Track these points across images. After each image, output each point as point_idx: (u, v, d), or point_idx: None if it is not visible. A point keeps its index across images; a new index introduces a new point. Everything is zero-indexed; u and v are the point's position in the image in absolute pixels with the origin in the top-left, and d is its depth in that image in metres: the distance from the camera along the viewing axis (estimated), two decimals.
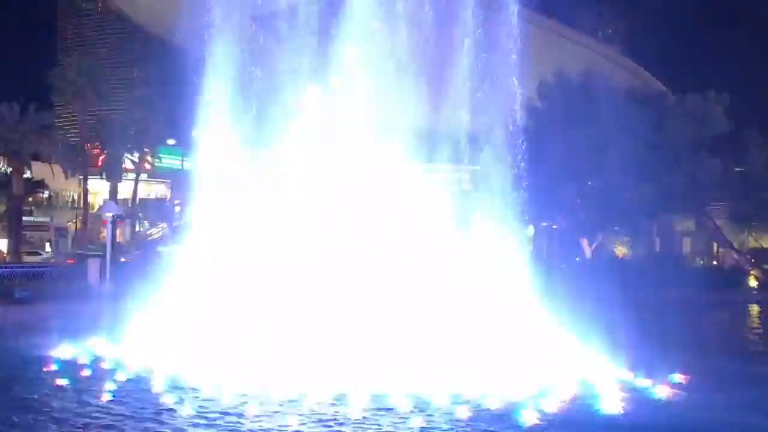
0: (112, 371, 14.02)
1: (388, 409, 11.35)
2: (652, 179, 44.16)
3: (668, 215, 49.76)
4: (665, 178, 44.60)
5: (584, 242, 47.10)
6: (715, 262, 55.69)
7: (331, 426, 10.59)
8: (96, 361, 15.14)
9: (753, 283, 46.42)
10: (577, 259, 47.46)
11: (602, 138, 43.18)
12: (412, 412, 11.24)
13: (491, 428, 10.55)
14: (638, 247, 51.71)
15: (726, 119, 45.84)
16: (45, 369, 14.20)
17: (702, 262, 53.06)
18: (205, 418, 10.82)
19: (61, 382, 13.03)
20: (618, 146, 43.59)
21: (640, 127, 44.11)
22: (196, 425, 10.48)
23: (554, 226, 51.41)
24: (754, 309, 35.02)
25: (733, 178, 46.12)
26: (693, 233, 56.17)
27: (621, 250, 51.06)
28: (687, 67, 64.45)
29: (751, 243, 51.89)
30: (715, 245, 55.44)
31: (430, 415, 11.08)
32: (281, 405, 11.56)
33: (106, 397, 11.93)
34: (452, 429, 10.48)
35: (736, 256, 48.29)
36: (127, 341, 16.36)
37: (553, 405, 11.71)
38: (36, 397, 12.13)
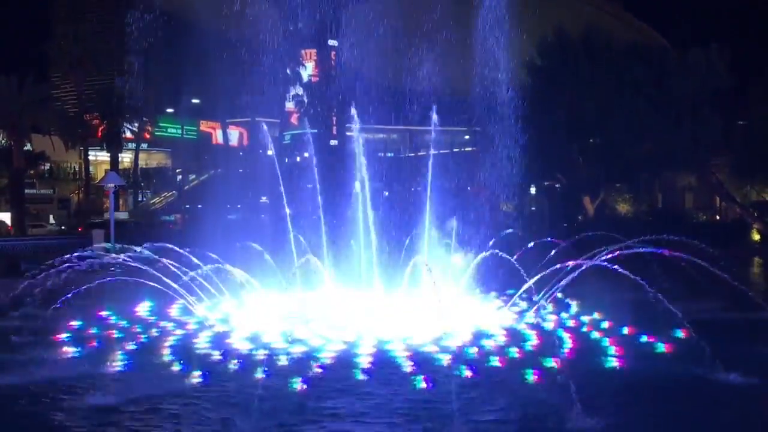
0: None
1: None
2: (655, 135, 43.99)
3: (670, 171, 49.67)
4: (667, 133, 44.40)
5: (586, 200, 47.11)
6: (717, 217, 55.71)
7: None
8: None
9: (756, 237, 46.49)
10: (580, 217, 47.52)
11: (604, 95, 42.93)
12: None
13: None
14: (640, 203, 51.70)
15: (729, 73, 45.43)
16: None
17: (704, 217, 53.06)
18: None
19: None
20: (620, 103, 43.38)
21: (642, 83, 43.81)
22: None
23: (556, 185, 51.38)
24: (756, 262, 35.14)
25: (736, 133, 45.90)
26: (695, 188, 56.09)
27: (623, 207, 51.03)
28: (689, 21, 63.55)
29: (754, 197, 51.84)
30: (717, 200, 55.40)
31: None
32: None
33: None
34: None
35: (738, 210, 48.27)
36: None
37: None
38: None
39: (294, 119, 70.88)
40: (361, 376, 11.47)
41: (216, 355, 13.04)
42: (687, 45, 48.36)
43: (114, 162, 63.87)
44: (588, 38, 47.99)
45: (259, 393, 9.75)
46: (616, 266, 14.16)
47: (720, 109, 44.93)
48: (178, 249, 17.83)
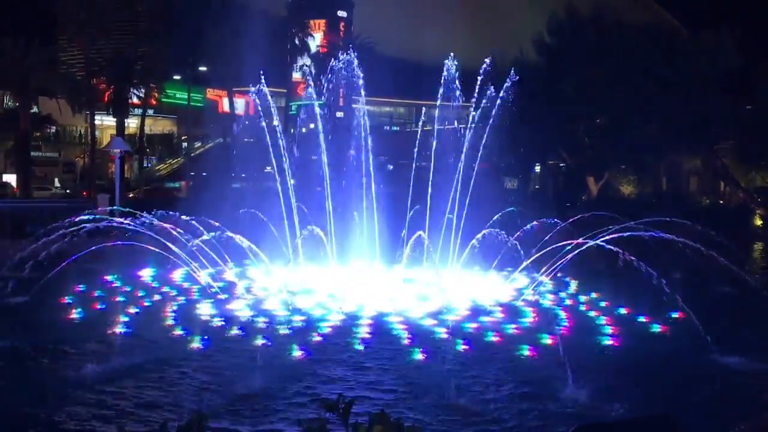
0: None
1: None
2: (662, 117, 43.80)
3: (676, 153, 49.49)
4: (674, 115, 44.21)
5: (590, 180, 47.08)
6: (721, 201, 55.62)
7: None
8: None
9: (758, 222, 46.49)
10: (584, 197, 47.52)
11: (612, 75, 42.68)
12: None
13: None
14: (645, 185, 51.62)
15: (738, 56, 45.05)
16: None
17: (708, 201, 52.96)
18: None
19: None
20: (628, 83, 43.13)
21: (651, 63, 43.51)
22: None
23: (561, 165, 51.31)
24: (758, 246, 35.22)
25: (743, 117, 45.62)
26: (700, 172, 55.92)
27: (627, 189, 50.98)
28: (700, 2, 62.85)
29: (759, 182, 51.67)
30: (722, 184, 55.27)
31: None
32: None
33: None
34: None
35: (742, 194, 48.19)
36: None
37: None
38: None
39: (300, 90, 70.75)
40: (359, 347, 11.70)
41: (217, 322, 13.28)
42: (697, 26, 47.96)
43: (120, 127, 63.83)
44: (598, 17, 47.57)
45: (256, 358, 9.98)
46: (613, 247, 14.28)
47: (728, 93, 44.64)
48: (184, 217, 17.92)
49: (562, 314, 14.63)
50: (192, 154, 72.39)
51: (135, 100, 67.37)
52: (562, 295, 17.06)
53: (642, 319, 14.22)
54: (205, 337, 11.94)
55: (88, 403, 8.94)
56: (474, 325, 13.34)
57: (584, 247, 15.50)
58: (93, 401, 9.00)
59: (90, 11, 59.41)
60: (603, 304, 15.74)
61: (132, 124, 69.33)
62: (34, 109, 55.18)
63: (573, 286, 18.04)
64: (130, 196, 51.39)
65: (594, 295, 16.66)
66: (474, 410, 8.94)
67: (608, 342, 12.56)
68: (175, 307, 14.45)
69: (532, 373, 10.44)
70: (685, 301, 12.66)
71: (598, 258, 16.24)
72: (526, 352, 11.49)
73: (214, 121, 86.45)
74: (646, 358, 11.46)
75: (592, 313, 14.90)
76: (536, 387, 9.87)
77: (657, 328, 13.52)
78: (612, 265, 16.03)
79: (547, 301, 16.10)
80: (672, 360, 11.47)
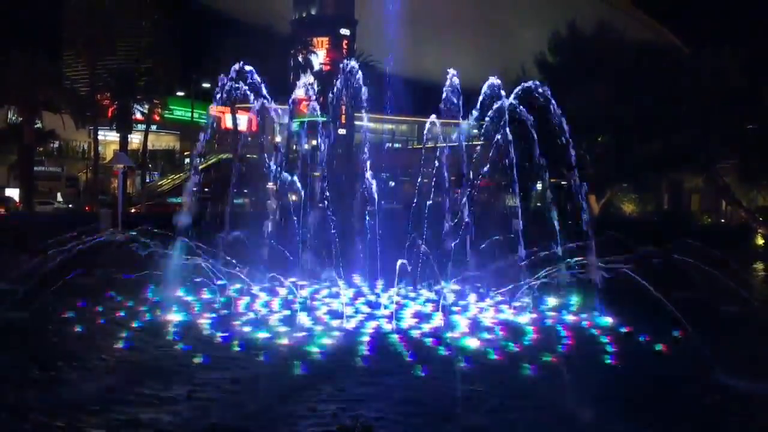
0: None
1: None
2: (663, 135, 43.95)
3: (677, 172, 49.61)
4: (676, 134, 44.37)
5: (592, 199, 47.09)
6: (722, 220, 55.65)
7: None
8: None
9: (760, 241, 46.47)
10: (585, 216, 47.49)
11: (613, 93, 42.88)
12: None
13: None
14: (646, 204, 51.69)
15: (740, 74, 45.26)
16: None
17: (710, 220, 53.01)
18: None
19: None
20: (629, 101, 43.32)
21: (653, 83, 43.72)
22: None
23: (562, 182, 51.37)
24: (758, 266, 35.11)
25: (745, 136, 45.74)
26: (702, 191, 56.01)
27: (629, 207, 51.04)
28: (702, 20, 63.23)
29: (761, 202, 51.75)
30: (723, 203, 55.34)
31: None
32: None
33: None
34: None
35: (743, 214, 48.22)
36: None
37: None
38: None
39: (303, 107, 71.02)
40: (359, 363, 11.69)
41: (217, 338, 13.28)
42: (699, 45, 48.22)
43: (123, 142, 64.16)
44: (600, 35, 47.90)
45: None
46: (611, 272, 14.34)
47: (730, 112, 44.82)
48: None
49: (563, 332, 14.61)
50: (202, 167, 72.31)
51: (138, 116, 67.80)
52: (565, 315, 16.96)
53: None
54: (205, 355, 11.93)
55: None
56: (474, 341, 13.32)
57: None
58: None
59: (95, 27, 59.91)
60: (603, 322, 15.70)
61: (135, 139, 69.67)
62: (38, 124, 55.50)
63: (575, 305, 17.95)
64: (132, 211, 51.54)
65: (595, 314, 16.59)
66: None
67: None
68: (174, 324, 14.42)
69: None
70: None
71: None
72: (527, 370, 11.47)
73: (216, 136, 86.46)
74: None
75: (593, 331, 14.87)
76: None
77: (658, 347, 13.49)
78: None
79: (549, 320, 16.05)
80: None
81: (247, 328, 14.01)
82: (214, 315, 15.38)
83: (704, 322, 13.29)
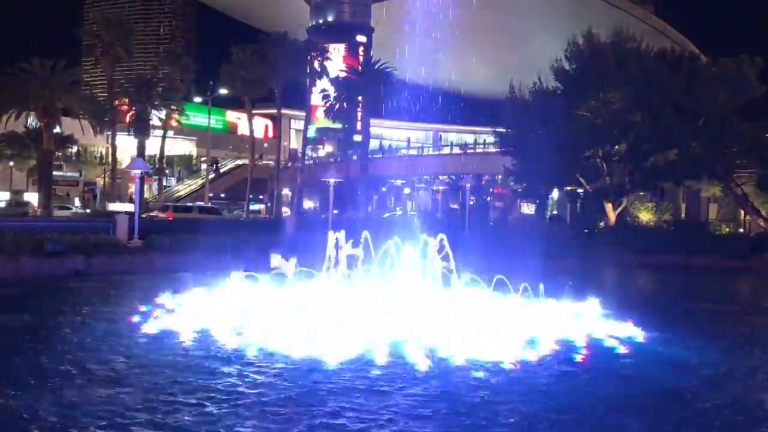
0: None
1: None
2: (681, 143, 43.64)
3: (695, 180, 49.19)
4: (694, 142, 44.04)
5: (608, 207, 46.80)
6: (741, 230, 55.09)
7: None
8: None
9: None
10: (602, 224, 47.22)
11: (631, 101, 42.64)
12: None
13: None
14: (663, 212, 51.30)
15: (759, 83, 44.94)
16: None
17: (728, 229, 52.46)
18: None
19: None
20: (647, 109, 43.06)
21: (670, 90, 43.44)
22: None
23: (579, 190, 51.10)
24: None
25: (764, 144, 45.29)
26: (720, 200, 55.47)
27: (645, 216, 50.63)
28: (721, 28, 62.88)
29: None
30: (742, 212, 54.76)
31: None
32: None
33: None
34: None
35: (762, 223, 47.71)
36: None
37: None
38: None
39: (320, 113, 71.28)
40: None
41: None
42: (718, 53, 47.90)
43: (141, 148, 64.69)
44: (617, 43, 47.67)
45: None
46: None
47: (748, 120, 44.46)
48: None
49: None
50: (212, 176, 72.80)
51: (156, 122, 68.39)
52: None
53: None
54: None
55: None
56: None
57: None
58: None
59: (115, 34, 60.54)
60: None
61: (152, 145, 70.27)
62: (57, 129, 56.07)
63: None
64: (153, 214, 51.85)
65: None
66: None
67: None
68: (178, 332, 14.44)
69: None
70: None
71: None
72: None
73: (233, 142, 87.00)
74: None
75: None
76: None
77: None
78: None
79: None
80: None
81: None
82: None
83: None
